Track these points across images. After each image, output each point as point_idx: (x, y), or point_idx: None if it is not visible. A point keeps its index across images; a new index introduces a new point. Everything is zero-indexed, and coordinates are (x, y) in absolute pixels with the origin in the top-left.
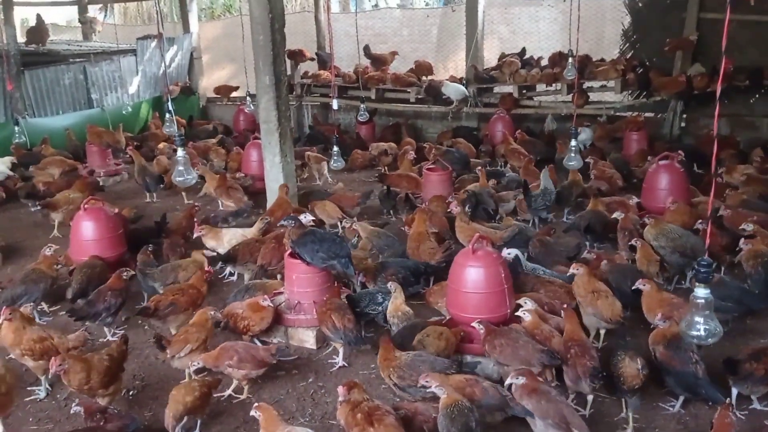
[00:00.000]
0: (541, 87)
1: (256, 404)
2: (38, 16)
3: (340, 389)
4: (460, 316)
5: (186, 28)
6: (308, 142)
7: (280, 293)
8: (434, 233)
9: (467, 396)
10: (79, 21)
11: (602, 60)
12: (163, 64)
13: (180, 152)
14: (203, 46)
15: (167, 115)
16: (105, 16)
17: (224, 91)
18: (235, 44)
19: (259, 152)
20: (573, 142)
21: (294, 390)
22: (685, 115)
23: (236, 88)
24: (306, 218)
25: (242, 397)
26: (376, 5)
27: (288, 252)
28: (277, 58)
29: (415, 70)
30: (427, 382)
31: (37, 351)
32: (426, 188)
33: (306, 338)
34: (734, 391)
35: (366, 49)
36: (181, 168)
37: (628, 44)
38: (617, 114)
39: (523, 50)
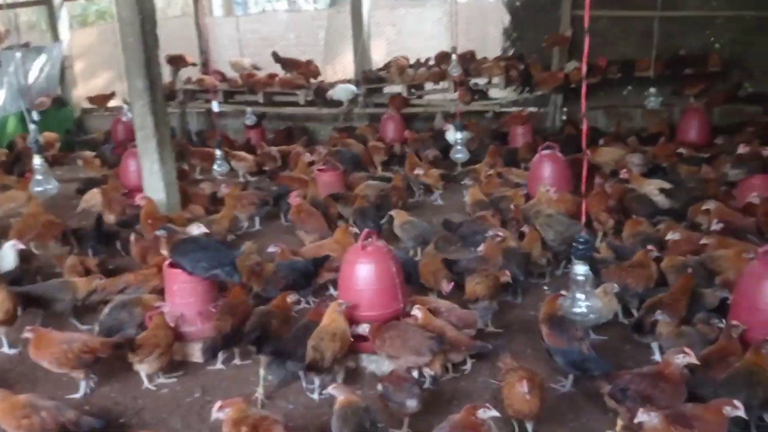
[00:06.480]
0: (430, 86)
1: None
2: None
3: (214, 409)
4: (354, 313)
5: (55, 36)
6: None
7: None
8: None
9: None
10: None
11: (485, 58)
12: (18, 76)
13: (37, 160)
14: (76, 55)
15: (31, 126)
16: None
17: (99, 100)
18: (111, 51)
19: (137, 162)
20: (459, 135)
21: (179, 407)
22: (565, 108)
23: (112, 95)
24: (199, 229)
25: None
26: (263, 10)
27: (167, 262)
28: (151, 60)
29: (303, 73)
30: None
31: None
32: (319, 189)
33: (192, 352)
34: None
35: (275, 54)
36: (39, 177)
37: (509, 42)
38: (503, 110)
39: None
